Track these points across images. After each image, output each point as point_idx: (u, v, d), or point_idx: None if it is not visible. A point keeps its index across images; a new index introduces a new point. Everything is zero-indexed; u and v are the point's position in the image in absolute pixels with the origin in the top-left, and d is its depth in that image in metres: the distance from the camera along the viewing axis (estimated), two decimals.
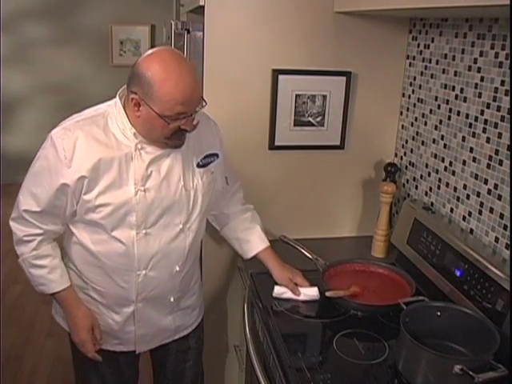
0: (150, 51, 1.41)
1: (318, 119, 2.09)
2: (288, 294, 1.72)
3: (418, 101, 2.05)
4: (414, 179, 2.10)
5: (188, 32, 2.41)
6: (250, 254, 1.80)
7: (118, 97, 1.48)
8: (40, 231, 1.53)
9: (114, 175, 1.44)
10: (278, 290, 1.73)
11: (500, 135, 1.58)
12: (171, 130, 1.41)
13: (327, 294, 1.63)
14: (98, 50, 5.65)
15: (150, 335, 1.68)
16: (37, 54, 5.58)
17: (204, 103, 1.48)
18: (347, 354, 1.45)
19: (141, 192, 1.46)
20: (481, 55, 1.66)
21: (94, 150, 1.42)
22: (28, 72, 5.61)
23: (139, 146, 1.46)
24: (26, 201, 1.51)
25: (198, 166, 1.58)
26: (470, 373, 1.20)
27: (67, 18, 5.53)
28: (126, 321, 1.62)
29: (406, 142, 2.14)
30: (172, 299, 1.64)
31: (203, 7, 1.94)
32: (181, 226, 1.55)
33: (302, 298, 1.71)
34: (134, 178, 1.45)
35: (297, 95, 2.04)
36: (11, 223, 1.56)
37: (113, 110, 1.47)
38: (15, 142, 5.79)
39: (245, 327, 1.74)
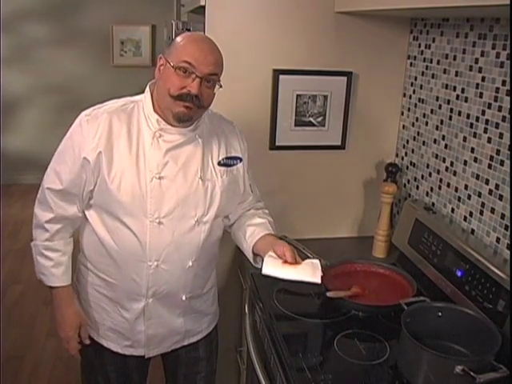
0: None
1: (319, 119, 2.09)
2: (279, 269, 1.53)
3: (419, 101, 2.04)
4: (415, 179, 2.10)
5: (189, 31, 2.41)
6: (252, 244, 1.65)
7: (148, 87, 1.55)
8: (59, 215, 1.56)
9: (130, 160, 1.48)
10: (272, 260, 1.54)
11: (501, 135, 1.58)
12: (178, 86, 1.42)
13: (328, 294, 1.62)
14: (99, 50, 5.67)
15: (160, 337, 1.66)
16: (37, 55, 5.59)
17: (219, 85, 1.49)
18: (348, 355, 1.45)
19: (156, 180, 1.48)
20: (482, 55, 1.66)
21: (115, 130, 1.48)
22: (28, 72, 5.62)
23: (157, 134, 1.49)
24: (50, 179, 1.55)
25: (220, 164, 1.60)
26: (471, 373, 1.20)
27: (68, 18, 5.54)
28: (137, 319, 1.61)
29: (407, 142, 2.14)
30: (184, 298, 1.62)
31: (204, 7, 1.94)
32: (196, 219, 1.54)
33: (297, 276, 1.53)
34: (150, 164, 1.49)
35: (298, 95, 2.04)
36: (36, 204, 1.61)
37: (142, 97, 1.55)
38: (15, 142, 5.80)
39: (245, 328, 1.74)
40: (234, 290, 2.18)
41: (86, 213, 1.58)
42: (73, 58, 5.65)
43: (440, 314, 1.45)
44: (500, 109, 1.58)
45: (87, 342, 1.66)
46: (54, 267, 1.60)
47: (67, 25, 5.56)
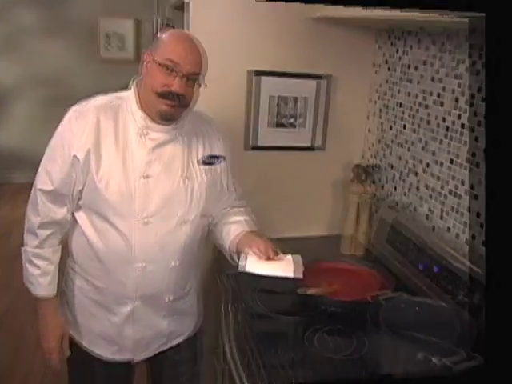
0: None
1: (293, 121, 2.13)
2: (261, 266, 1.54)
3: (396, 104, 2.09)
4: (393, 180, 2.14)
5: (173, 28, 2.43)
6: (228, 241, 1.66)
7: (134, 83, 1.55)
8: (48, 219, 1.56)
9: (117, 158, 1.48)
10: (250, 258, 1.54)
11: (477, 139, 1.63)
12: (161, 83, 1.44)
13: (304, 291, 1.65)
14: (86, 42, 5.59)
15: (147, 339, 1.66)
16: (25, 43, 5.49)
17: (204, 84, 1.51)
18: (327, 350, 1.48)
19: (142, 179, 1.49)
20: (457, 64, 1.72)
21: (103, 127, 1.48)
22: (16, 62, 5.52)
23: (144, 132, 1.50)
24: (41, 179, 1.54)
25: (202, 163, 1.60)
26: (448, 363, 1.26)
27: (56, 6, 5.47)
28: (124, 322, 1.61)
29: (379, 143, 2.20)
30: (167, 299, 1.63)
31: (185, 3, 1.96)
32: (179, 218, 1.55)
33: (279, 272, 1.54)
34: (137, 163, 1.49)
35: (272, 97, 2.08)
36: (28, 206, 1.59)
37: (128, 94, 1.54)
38: (6, 139, 5.68)
39: (224, 328, 1.76)
40: (216, 291, 2.18)
41: (76, 214, 1.57)
42: (61, 49, 5.56)
43: (417, 308, 1.50)
44: (476, 114, 1.63)
45: (67, 353, 1.67)
46: (40, 276, 1.60)
47: (55, 14, 5.48)
